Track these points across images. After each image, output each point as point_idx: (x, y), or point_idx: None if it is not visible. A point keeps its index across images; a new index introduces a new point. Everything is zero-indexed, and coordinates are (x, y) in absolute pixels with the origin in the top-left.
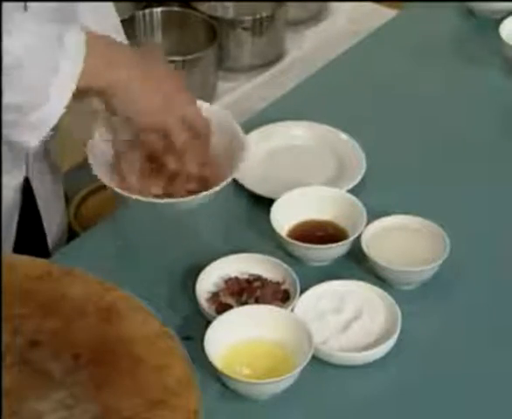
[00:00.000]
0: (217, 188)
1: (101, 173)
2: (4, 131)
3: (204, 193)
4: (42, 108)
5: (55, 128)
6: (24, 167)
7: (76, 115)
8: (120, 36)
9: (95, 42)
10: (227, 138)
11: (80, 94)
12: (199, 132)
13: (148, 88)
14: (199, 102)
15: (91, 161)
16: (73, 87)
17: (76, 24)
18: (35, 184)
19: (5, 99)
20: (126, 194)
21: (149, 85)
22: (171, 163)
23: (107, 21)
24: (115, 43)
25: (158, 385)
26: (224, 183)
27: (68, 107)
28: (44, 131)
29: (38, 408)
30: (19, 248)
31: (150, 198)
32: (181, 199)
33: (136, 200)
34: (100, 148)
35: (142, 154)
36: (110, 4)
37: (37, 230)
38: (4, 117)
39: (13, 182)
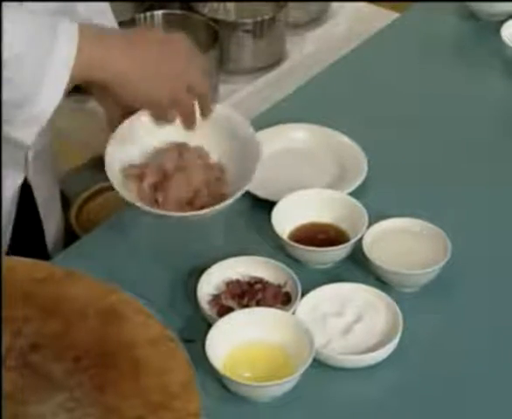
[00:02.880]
0: (228, 202)
1: (117, 183)
2: (4, 128)
3: (217, 206)
4: (37, 101)
5: (50, 126)
6: (22, 167)
7: (75, 117)
8: None
9: (87, 31)
10: (240, 144)
11: (80, 87)
12: (200, 96)
13: (149, 69)
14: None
15: (107, 169)
16: (67, 78)
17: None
18: (34, 184)
19: (4, 96)
20: (140, 205)
21: (149, 64)
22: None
23: (106, 24)
24: (108, 30)
25: (159, 388)
26: (235, 197)
27: (62, 100)
28: (40, 125)
29: (38, 411)
30: (18, 248)
31: (164, 211)
32: (193, 213)
33: (150, 211)
34: (114, 157)
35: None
36: (108, 8)
37: (35, 230)
38: (3, 114)
39: (12, 183)
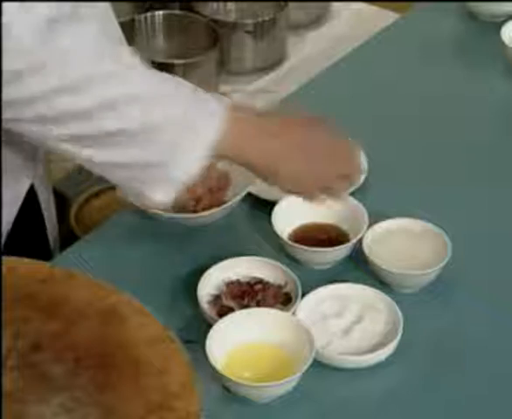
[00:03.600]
0: (226, 206)
1: None
2: (140, 187)
3: (214, 210)
4: (179, 166)
5: None
6: (31, 175)
7: None
8: (122, 40)
9: (235, 116)
10: None
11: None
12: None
13: (299, 163)
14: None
15: None
16: (208, 152)
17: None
18: (37, 186)
19: (146, 157)
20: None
21: (298, 153)
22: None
23: (111, 25)
24: (255, 116)
25: (159, 388)
26: (232, 202)
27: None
28: (178, 187)
29: (39, 411)
30: (20, 248)
31: (170, 213)
32: (196, 215)
33: (158, 214)
34: None
35: None
36: (109, 8)
37: (37, 231)
38: (144, 174)
39: (19, 189)
